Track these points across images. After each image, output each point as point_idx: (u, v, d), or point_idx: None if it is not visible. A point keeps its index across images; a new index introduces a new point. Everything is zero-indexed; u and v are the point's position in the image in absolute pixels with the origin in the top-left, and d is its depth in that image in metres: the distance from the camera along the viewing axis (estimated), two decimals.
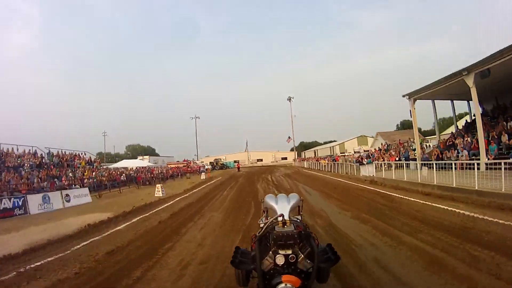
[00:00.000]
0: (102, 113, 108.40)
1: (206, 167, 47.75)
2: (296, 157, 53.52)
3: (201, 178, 29.32)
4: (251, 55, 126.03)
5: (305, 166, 37.43)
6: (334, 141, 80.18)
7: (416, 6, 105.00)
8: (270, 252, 2.16)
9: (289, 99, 56.23)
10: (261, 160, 70.95)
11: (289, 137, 53.65)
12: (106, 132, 65.37)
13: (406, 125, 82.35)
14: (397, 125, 79.18)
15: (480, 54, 11.21)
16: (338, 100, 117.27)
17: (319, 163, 31.31)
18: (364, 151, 47.10)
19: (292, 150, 77.43)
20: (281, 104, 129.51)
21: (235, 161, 65.72)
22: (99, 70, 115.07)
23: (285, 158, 70.17)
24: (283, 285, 2.00)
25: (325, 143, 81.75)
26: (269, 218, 2.61)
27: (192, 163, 47.14)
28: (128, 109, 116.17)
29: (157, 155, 69.74)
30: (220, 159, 56.27)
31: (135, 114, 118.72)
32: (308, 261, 2.14)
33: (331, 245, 2.37)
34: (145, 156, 47.67)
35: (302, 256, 2.15)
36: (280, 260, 2.10)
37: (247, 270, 2.29)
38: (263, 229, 2.34)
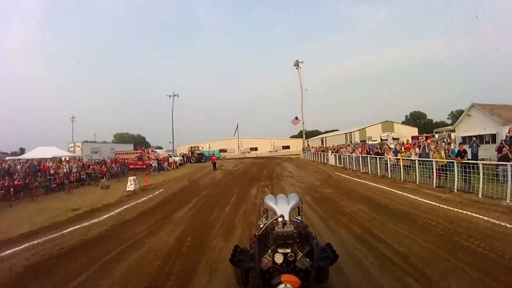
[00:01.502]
0: (96, 102, 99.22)
1: (174, 158, 31.51)
2: (307, 146, 37.02)
3: (127, 188, 13.50)
4: (245, 35, 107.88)
5: (333, 164, 21.25)
6: (337, 130, 67.07)
7: None
8: (269, 251, 2.11)
9: (297, 64, 39.45)
10: (256, 149, 54.51)
11: (296, 118, 37.25)
12: (74, 117, 53.12)
13: (416, 117, 74.15)
14: (406, 116, 75.52)
15: None
16: (339, 91, 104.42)
17: (378, 161, 14.20)
18: (394, 138, 32.41)
19: (296, 136, 61.68)
20: (282, 85, 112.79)
21: (221, 151, 49.66)
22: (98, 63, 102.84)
23: (287, 147, 54.03)
24: (283, 285, 1.94)
25: (326, 132, 70.65)
26: (269, 218, 2.52)
27: (150, 152, 30.73)
28: (122, 98, 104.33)
29: (146, 143, 60.76)
30: (198, 147, 39.58)
31: (127, 102, 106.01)
32: (307, 260, 2.09)
33: (330, 244, 2.35)
34: (77, 143, 30.98)
35: (301, 254, 2.10)
36: (278, 259, 2.06)
37: (246, 270, 2.32)
38: (263, 229, 2.30)
